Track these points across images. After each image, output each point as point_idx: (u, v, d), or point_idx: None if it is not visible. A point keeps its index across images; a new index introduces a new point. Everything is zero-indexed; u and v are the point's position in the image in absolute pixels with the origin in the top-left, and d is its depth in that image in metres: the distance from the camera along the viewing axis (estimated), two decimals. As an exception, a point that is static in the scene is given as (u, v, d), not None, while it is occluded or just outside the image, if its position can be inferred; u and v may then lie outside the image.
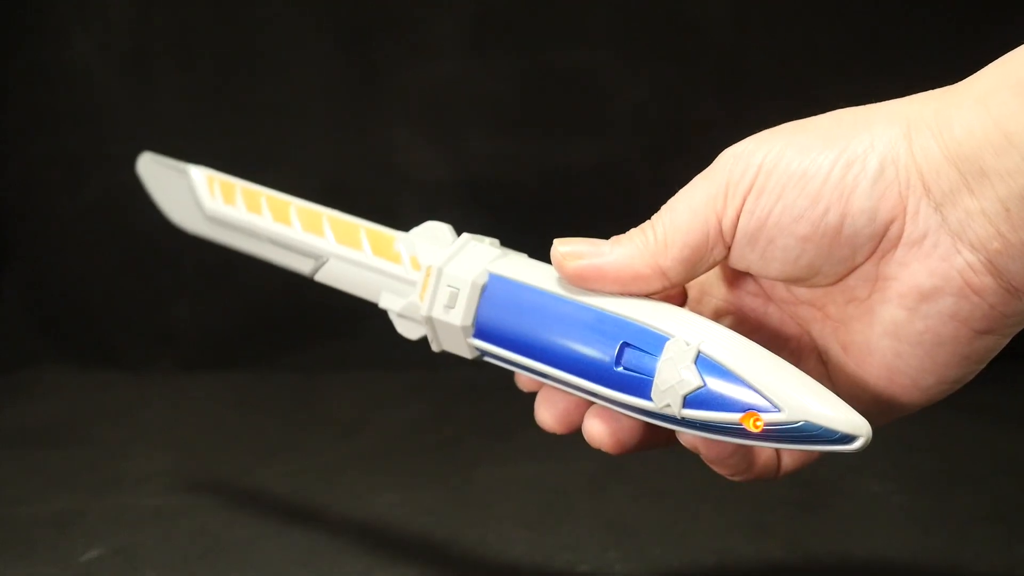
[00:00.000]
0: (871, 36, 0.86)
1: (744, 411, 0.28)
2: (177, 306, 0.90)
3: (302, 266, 0.39)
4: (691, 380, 0.29)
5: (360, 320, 0.86)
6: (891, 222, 0.28)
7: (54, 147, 0.90)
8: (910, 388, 0.30)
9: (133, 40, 0.89)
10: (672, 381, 0.29)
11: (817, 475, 0.60)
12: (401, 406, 0.78)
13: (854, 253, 0.29)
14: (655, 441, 0.33)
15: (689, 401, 0.29)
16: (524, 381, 0.35)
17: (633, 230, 0.32)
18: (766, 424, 0.28)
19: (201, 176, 0.43)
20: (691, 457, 0.63)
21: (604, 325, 0.31)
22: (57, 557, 0.52)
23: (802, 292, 0.32)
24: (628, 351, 0.30)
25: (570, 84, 0.88)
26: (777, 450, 0.33)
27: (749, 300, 0.34)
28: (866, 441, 0.27)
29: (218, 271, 0.90)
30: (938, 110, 0.28)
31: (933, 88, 0.29)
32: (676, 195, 0.31)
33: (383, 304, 0.37)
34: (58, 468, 0.65)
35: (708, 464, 0.32)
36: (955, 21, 0.83)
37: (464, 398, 0.78)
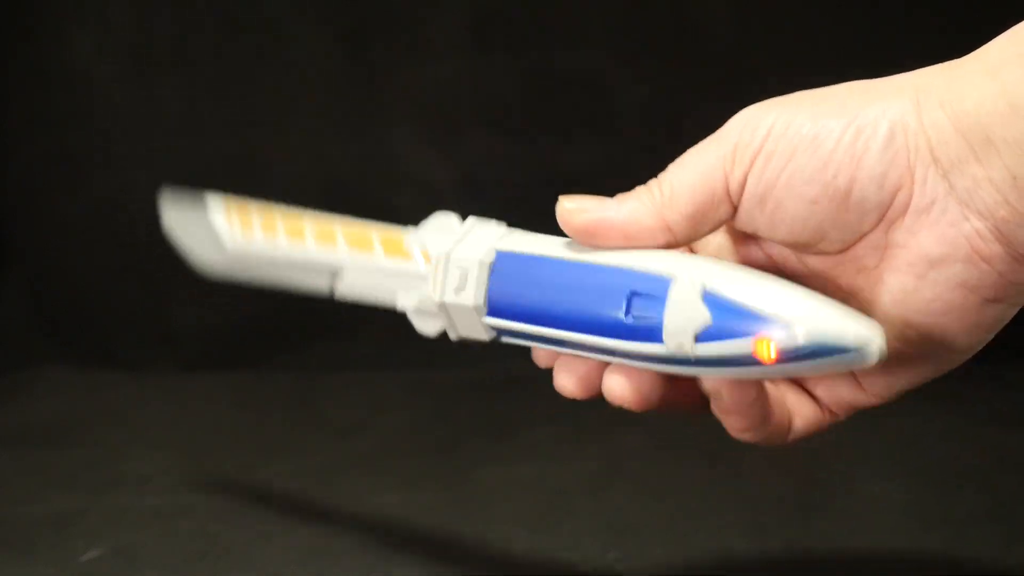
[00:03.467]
0: (872, 36, 0.86)
1: (755, 338, 0.28)
2: (177, 306, 0.90)
3: (320, 285, 0.40)
4: (700, 316, 0.29)
5: (360, 320, 0.86)
6: (899, 189, 0.29)
7: (54, 147, 0.90)
8: (918, 358, 0.31)
9: (133, 40, 0.89)
10: (681, 320, 0.29)
11: (817, 474, 0.60)
12: (401, 406, 0.78)
13: (861, 219, 0.30)
14: (677, 397, 0.33)
15: (700, 338, 0.29)
16: (541, 356, 0.35)
17: (639, 187, 0.32)
18: (779, 346, 0.28)
19: (219, 211, 0.44)
20: (691, 457, 0.63)
21: (609, 278, 0.31)
22: (57, 557, 0.52)
23: (813, 262, 0.32)
24: (636, 299, 0.31)
25: (570, 84, 0.88)
26: (789, 413, 0.33)
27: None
28: (882, 349, 0.27)
29: (218, 271, 0.90)
30: (948, 81, 0.28)
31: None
32: (685, 154, 0.31)
33: (400, 305, 0.37)
34: (58, 468, 0.65)
35: (725, 418, 0.32)
36: (957, 22, 0.83)
37: (464, 398, 0.78)
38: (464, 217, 0.37)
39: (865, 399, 0.33)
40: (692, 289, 0.29)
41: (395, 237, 0.38)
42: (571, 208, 0.32)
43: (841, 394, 0.33)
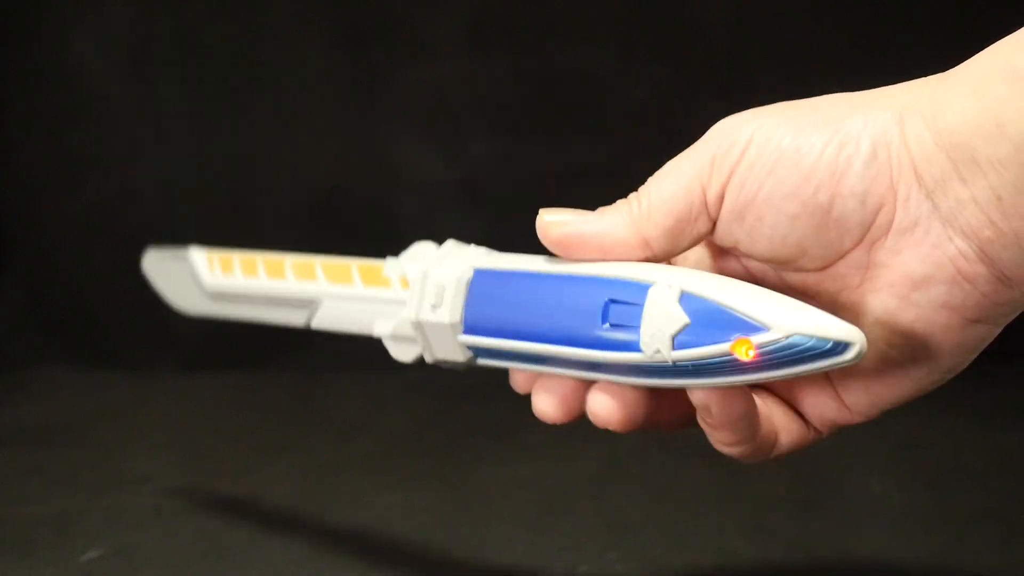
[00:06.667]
0: (871, 36, 0.86)
1: (733, 339, 0.28)
2: (177, 306, 0.90)
3: (297, 319, 0.40)
4: (677, 318, 0.29)
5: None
6: (881, 207, 0.28)
7: (54, 147, 0.90)
8: (901, 378, 0.30)
9: (133, 40, 0.89)
10: (659, 323, 0.29)
11: (817, 474, 0.60)
12: (401, 406, 0.78)
13: (842, 237, 0.29)
14: (663, 415, 0.33)
15: (678, 343, 0.29)
16: (519, 380, 0.35)
17: (619, 200, 0.32)
18: (757, 347, 0.27)
19: (200, 256, 0.44)
20: (691, 457, 0.63)
21: (586, 287, 0.31)
22: (57, 557, 0.52)
23: (793, 278, 0.32)
24: (614, 307, 0.30)
25: (570, 84, 0.88)
26: (776, 428, 0.33)
27: None
28: (861, 347, 0.27)
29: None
30: (931, 97, 0.28)
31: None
32: (664, 166, 0.31)
33: (376, 332, 0.37)
34: (58, 468, 0.65)
35: (713, 432, 0.32)
36: (955, 21, 0.83)
37: (464, 398, 0.78)
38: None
39: (848, 417, 0.33)
40: (670, 292, 0.29)
41: (373, 267, 0.38)
42: (549, 220, 0.32)
43: (824, 412, 0.33)
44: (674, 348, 0.29)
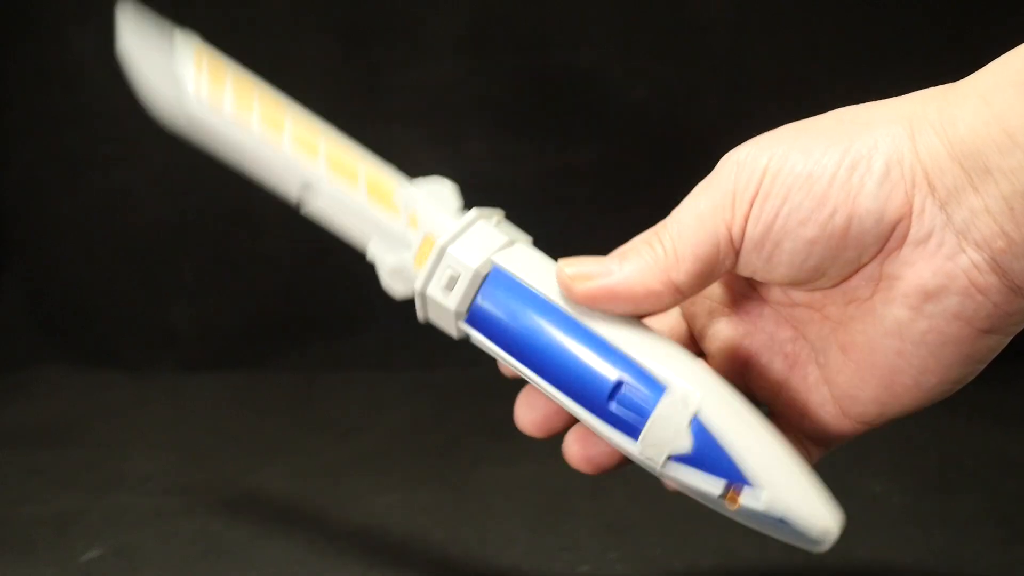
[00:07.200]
0: (871, 36, 0.86)
1: (726, 489, 0.28)
2: (177, 306, 0.90)
3: (288, 189, 0.36)
4: (681, 443, 0.29)
5: (360, 320, 0.86)
6: (898, 222, 0.28)
7: (54, 147, 0.90)
8: (912, 388, 0.30)
9: (133, 40, 0.88)
10: (662, 437, 0.29)
11: (817, 474, 0.60)
12: (401, 406, 0.78)
13: (860, 254, 0.29)
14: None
15: (672, 459, 0.29)
16: (508, 369, 0.35)
17: (637, 243, 0.31)
18: (743, 506, 0.28)
19: (187, 55, 0.39)
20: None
21: (604, 356, 0.30)
22: (57, 557, 0.52)
23: (799, 295, 0.32)
24: (624, 389, 0.30)
25: (570, 84, 0.88)
26: None
27: (745, 303, 0.34)
28: (829, 545, 0.28)
29: (218, 271, 0.90)
30: (941, 108, 0.28)
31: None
32: (680, 206, 0.30)
33: (371, 251, 0.35)
34: (58, 468, 0.65)
35: None
36: (955, 21, 0.83)
37: (464, 398, 0.78)
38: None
39: (857, 428, 0.33)
40: (684, 411, 0.29)
41: (383, 182, 0.35)
42: (572, 275, 0.31)
43: (828, 426, 0.33)
44: (667, 462, 0.29)
